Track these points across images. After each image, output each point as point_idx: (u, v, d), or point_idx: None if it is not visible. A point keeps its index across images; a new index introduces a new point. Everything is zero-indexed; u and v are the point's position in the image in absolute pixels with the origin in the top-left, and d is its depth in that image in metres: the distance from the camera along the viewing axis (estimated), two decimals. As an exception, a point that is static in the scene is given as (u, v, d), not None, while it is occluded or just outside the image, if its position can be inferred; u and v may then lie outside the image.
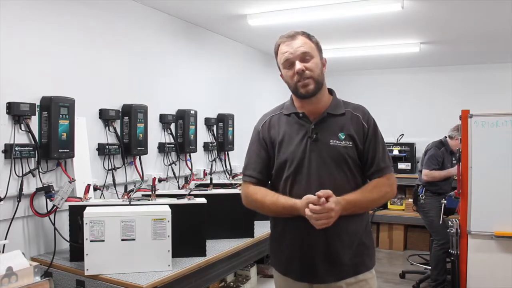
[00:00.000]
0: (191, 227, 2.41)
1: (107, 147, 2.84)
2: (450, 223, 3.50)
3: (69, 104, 2.46)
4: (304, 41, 1.68)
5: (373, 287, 1.73)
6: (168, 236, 2.18)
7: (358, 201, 1.62)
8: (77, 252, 2.22)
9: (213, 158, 4.01)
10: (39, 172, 2.39)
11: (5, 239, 2.14)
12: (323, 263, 1.65)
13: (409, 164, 5.70)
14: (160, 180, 3.23)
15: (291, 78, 1.68)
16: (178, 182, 3.49)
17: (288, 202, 1.63)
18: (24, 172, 2.30)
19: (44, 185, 2.34)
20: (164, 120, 3.40)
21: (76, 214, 2.22)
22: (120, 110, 2.97)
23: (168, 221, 2.17)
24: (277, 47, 1.73)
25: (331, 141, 1.67)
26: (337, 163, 1.66)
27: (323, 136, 1.68)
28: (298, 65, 1.64)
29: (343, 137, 1.68)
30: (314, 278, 1.67)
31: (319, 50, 1.72)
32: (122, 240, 2.13)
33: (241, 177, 1.89)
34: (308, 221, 1.60)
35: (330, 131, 1.69)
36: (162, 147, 3.39)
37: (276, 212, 1.70)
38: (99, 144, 2.83)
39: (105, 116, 2.85)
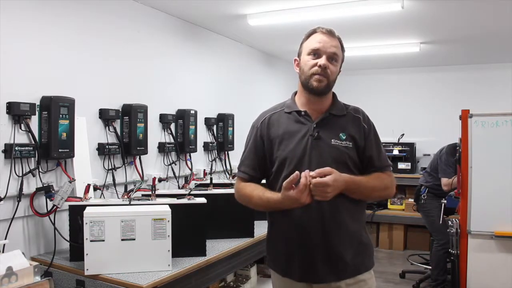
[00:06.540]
0: (191, 227, 2.41)
1: (107, 147, 2.84)
2: (450, 223, 3.50)
3: (69, 104, 2.46)
4: (338, 45, 1.73)
5: (371, 287, 1.72)
6: (168, 236, 2.17)
7: (362, 184, 1.63)
8: (77, 252, 2.22)
9: (213, 158, 4.01)
10: (39, 172, 2.39)
11: (5, 239, 2.14)
12: (324, 262, 1.64)
13: (409, 164, 5.69)
14: (160, 180, 3.23)
15: (311, 67, 1.67)
16: (178, 182, 3.49)
17: (273, 196, 1.63)
18: (24, 172, 2.30)
19: (44, 185, 2.34)
20: (164, 120, 3.40)
21: (76, 214, 2.22)
22: (120, 110, 2.97)
23: (168, 221, 2.17)
24: (312, 32, 1.74)
25: (332, 140, 1.67)
26: (338, 163, 1.64)
27: (325, 135, 1.68)
28: (324, 60, 1.66)
29: (344, 137, 1.69)
30: (315, 277, 1.66)
31: (342, 60, 1.77)
32: (122, 240, 2.13)
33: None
34: (307, 220, 1.59)
35: (332, 131, 1.69)
36: (162, 147, 3.39)
37: (262, 207, 1.71)
38: (99, 144, 2.83)
39: (105, 116, 2.85)
